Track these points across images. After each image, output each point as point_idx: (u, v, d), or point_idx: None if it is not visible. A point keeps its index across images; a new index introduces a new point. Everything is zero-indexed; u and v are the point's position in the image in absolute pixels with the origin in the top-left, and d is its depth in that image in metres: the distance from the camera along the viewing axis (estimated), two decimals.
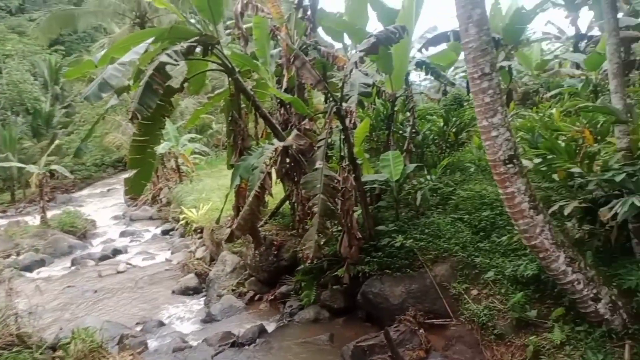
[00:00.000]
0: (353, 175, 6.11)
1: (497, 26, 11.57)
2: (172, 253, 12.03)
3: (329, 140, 6.25)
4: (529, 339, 4.56)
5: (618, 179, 4.26)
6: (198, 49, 6.23)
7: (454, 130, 8.68)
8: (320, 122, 7.91)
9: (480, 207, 6.62)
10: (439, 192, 7.31)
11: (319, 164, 5.39)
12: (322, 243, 6.66)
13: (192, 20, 7.17)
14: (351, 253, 6.11)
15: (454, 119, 8.67)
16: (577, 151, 4.97)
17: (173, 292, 9.06)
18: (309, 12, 6.99)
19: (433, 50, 8.44)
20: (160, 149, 17.02)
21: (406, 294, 5.89)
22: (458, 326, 5.38)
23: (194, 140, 20.13)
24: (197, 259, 10.46)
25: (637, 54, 11.06)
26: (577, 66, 11.02)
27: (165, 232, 14.71)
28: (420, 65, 8.12)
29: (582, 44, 11.78)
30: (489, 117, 3.97)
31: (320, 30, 8.17)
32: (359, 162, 6.74)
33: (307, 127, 6.55)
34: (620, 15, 11.03)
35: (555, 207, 4.68)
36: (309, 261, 6.96)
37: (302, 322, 6.71)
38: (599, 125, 5.72)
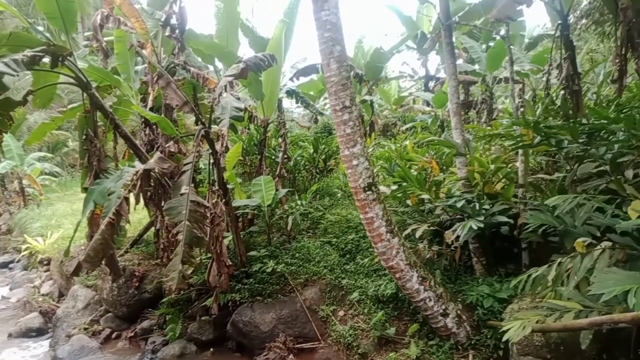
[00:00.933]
0: (223, 200, 5.95)
1: (360, 63, 12.66)
2: (11, 289, 10.41)
3: (198, 164, 6.01)
4: (389, 355, 4.85)
5: (459, 205, 4.86)
6: (47, 59, 5.54)
7: (323, 157, 9.10)
8: (190, 145, 7.60)
9: (346, 230, 6.96)
10: (309, 216, 7.52)
11: (185, 189, 5.11)
12: (188, 273, 6.31)
13: (40, 28, 6.35)
14: (220, 281, 5.87)
15: (322, 146, 9.09)
16: (426, 179, 5.57)
17: (10, 335, 7.71)
18: (176, 31, 6.73)
19: (304, 79, 8.83)
20: (0, 168, 14.69)
21: (277, 320, 5.85)
22: (326, 348, 5.48)
23: (44, 160, 17.75)
24: (43, 295, 9.18)
25: (475, 95, 13.02)
26: (428, 103, 12.56)
27: (3, 265, 12.74)
28: (290, 93, 8.39)
29: (431, 84, 13.51)
30: (350, 147, 4.23)
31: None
32: (230, 186, 6.60)
33: (172, 149, 6.20)
34: (460, 61, 12.94)
35: (408, 230, 5.14)
36: (174, 293, 6.55)
37: (166, 358, 6.18)
38: (444, 157, 6.53)
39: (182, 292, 6.58)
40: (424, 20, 13.50)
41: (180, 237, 4.90)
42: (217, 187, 5.93)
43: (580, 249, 3.41)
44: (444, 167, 6.43)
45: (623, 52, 6.12)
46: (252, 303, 6.09)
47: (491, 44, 10.77)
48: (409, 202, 5.86)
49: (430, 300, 4.45)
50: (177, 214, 5.05)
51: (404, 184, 5.52)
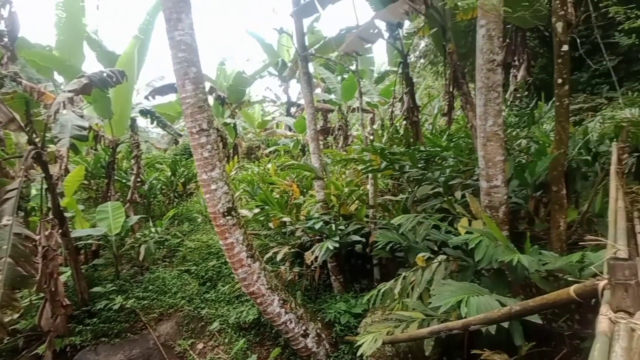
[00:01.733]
0: (60, 230, 5.17)
1: (223, 85, 12.55)
2: None
3: (28, 189, 5.14)
4: None
5: (317, 226, 5.03)
6: None
7: (182, 180, 8.64)
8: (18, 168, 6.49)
9: (207, 257, 6.66)
10: (165, 244, 7.01)
11: (7, 220, 4.30)
12: (13, 318, 5.30)
13: None
14: (56, 324, 5.02)
15: (181, 169, 8.64)
16: (287, 202, 5.67)
17: None
18: (5, 39, 5.75)
19: (162, 99, 8.34)
20: None
21: None
22: None
23: None
24: None
25: (332, 122, 13.88)
26: (290, 128, 12.99)
27: None
28: (145, 113, 7.84)
29: (293, 110, 14.04)
30: (208, 171, 4.07)
31: None
32: (69, 214, 5.79)
33: None
34: (319, 90, 13.74)
35: (270, 254, 5.12)
36: None
37: None
38: (304, 180, 6.74)
39: (5, 342, 5.45)
40: (284, 49, 14.04)
41: None
42: (51, 216, 5.13)
43: (421, 263, 3.80)
44: (305, 190, 6.64)
45: (450, 90, 7.19)
46: (95, 346, 5.33)
47: (345, 76, 11.67)
48: (271, 225, 5.88)
49: (291, 322, 4.46)
50: None
51: (266, 207, 5.52)
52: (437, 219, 4.36)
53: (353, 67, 6.31)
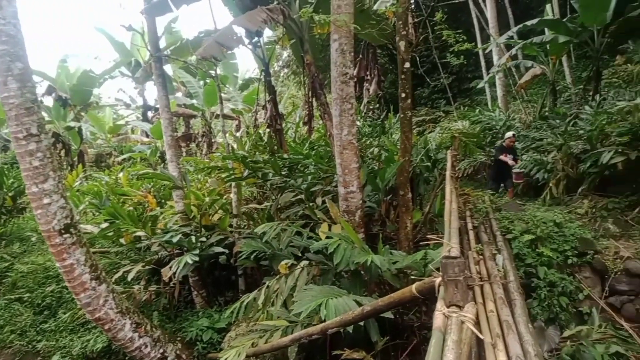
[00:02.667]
0: None
1: (64, 85, 11.06)
2: None
3: None
4: None
5: (175, 239, 4.70)
6: None
7: (11, 194, 7.29)
8: None
9: (44, 281, 5.75)
10: None
11: None
12: None
13: None
14: None
15: (11, 180, 7.31)
16: (142, 215, 5.19)
17: None
18: None
19: None
20: None
21: None
22: None
23: None
24: None
25: (195, 128, 13.31)
26: (147, 134, 12.04)
27: None
28: None
29: (150, 114, 13.05)
30: (40, 183, 3.49)
31: None
32: None
33: None
34: (179, 94, 13.06)
35: (119, 273, 4.62)
36: None
37: None
38: (162, 190, 6.28)
39: None
40: (137, 49, 12.98)
41: None
42: None
43: (284, 270, 3.82)
44: (162, 201, 6.18)
45: (310, 100, 7.45)
46: None
47: (208, 80, 11.30)
48: (122, 240, 5.31)
49: (147, 346, 4.07)
50: None
51: (116, 221, 4.97)
52: (300, 225, 4.45)
53: (214, 73, 6.09)
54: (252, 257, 4.42)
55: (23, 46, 3.48)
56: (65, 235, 3.61)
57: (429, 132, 9.56)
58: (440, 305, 1.56)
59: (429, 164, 5.43)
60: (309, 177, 5.27)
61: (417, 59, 10.36)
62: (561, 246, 4.14)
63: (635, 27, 7.13)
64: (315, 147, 6.26)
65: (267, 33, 8.06)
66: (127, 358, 4.56)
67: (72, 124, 9.75)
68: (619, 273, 4.02)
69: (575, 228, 4.34)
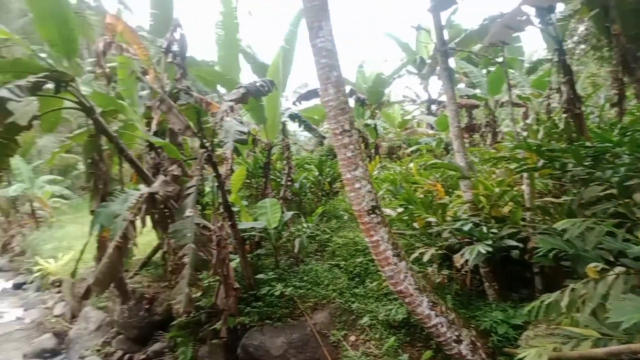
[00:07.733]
0: (229, 222, 5.92)
1: (362, 87, 12.82)
2: (25, 310, 10.40)
3: (202, 187, 6.01)
4: None
5: (466, 228, 4.80)
6: (50, 85, 5.64)
7: (328, 179, 9.09)
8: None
9: (354, 253, 6.86)
10: (316, 239, 7.45)
11: (189, 212, 5.10)
12: (197, 295, 6.22)
13: (43, 55, 6.44)
14: (229, 304, 5.76)
15: (327, 169, 9.10)
16: (432, 202, 5.53)
17: (25, 356, 7.69)
18: (177, 58, 6.83)
19: (307, 104, 8.97)
20: (12, 191, 14.95)
21: (287, 345, 5.68)
22: None
23: (54, 182, 17.83)
24: (56, 316, 9.23)
25: (478, 118, 13.11)
26: (431, 126, 12.64)
27: (17, 286, 12.73)
28: (293, 117, 8.50)
29: (434, 107, 13.63)
30: (352, 170, 4.23)
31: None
32: (235, 209, 6.57)
33: (176, 172, 6.20)
34: (462, 85, 13.09)
35: (416, 254, 5.07)
36: (183, 315, 6.45)
37: None
38: (449, 180, 6.51)
39: (191, 315, 6.45)
40: (422, 46, 13.73)
41: (186, 260, 4.87)
42: (222, 210, 5.91)
43: (593, 275, 3.36)
44: (450, 190, 6.40)
45: (620, 77, 6.18)
46: (261, 327, 5.94)
47: (492, 68, 10.90)
48: (415, 224, 5.81)
49: (443, 326, 4.33)
50: (182, 237, 5.04)
51: (410, 206, 5.48)
52: (612, 224, 3.80)
53: (499, 59, 5.85)
54: (550, 255, 4.07)
55: (337, 58, 4.27)
56: (372, 215, 4.25)
57: None
58: None
59: None
60: (622, 169, 4.40)
61: None
62: None
63: None
64: (628, 133, 5.16)
65: (559, 8, 7.11)
66: (424, 333, 4.98)
67: (369, 121, 11.28)
68: None
69: None
